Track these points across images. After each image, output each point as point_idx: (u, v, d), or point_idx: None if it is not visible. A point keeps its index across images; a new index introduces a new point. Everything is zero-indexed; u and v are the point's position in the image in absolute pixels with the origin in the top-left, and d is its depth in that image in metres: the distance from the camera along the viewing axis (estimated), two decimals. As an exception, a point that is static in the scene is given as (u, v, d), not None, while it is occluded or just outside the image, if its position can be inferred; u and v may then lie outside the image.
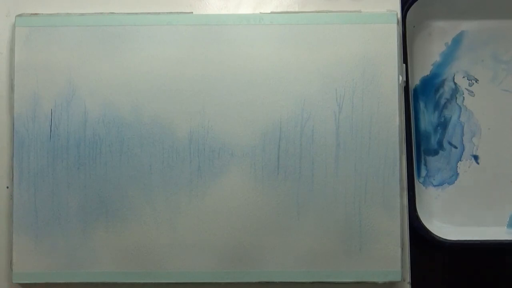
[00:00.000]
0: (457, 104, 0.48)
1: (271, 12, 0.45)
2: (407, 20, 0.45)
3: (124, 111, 0.44)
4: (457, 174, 0.47)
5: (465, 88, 0.48)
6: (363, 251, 0.43)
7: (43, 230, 0.43)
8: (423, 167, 0.48)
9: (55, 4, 0.45)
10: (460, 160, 0.48)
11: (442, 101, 0.48)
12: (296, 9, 0.45)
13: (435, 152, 0.48)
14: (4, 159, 0.44)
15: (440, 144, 0.48)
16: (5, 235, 0.44)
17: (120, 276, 0.43)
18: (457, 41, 0.48)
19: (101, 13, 0.45)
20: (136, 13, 0.44)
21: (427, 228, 0.45)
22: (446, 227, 0.47)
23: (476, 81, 0.48)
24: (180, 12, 0.45)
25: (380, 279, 0.43)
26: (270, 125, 0.44)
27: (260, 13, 0.45)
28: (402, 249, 0.43)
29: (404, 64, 0.45)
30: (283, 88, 0.44)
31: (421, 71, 0.48)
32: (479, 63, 0.48)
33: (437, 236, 0.45)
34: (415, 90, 0.48)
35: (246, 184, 0.43)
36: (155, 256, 0.43)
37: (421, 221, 0.45)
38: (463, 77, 0.48)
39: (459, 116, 0.48)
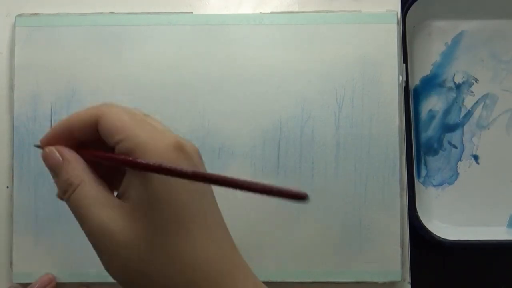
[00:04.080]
0: (457, 104, 0.48)
1: (271, 12, 0.45)
2: (407, 20, 0.45)
3: (124, 111, 0.44)
4: (457, 174, 0.47)
5: (465, 88, 0.48)
6: (363, 251, 0.43)
7: (43, 230, 0.43)
8: (423, 167, 0.48)
9: (55, 4, 0.45)
10: (460, 160, 0.48)
11: (442, 101, 0.48)
12: (296, 9, 0.45)
13: (435, 152, 0.48)
14: (4, 159, 0.44)
15: (440, 144, 0.48)
16: (5, 235, 0.44)
17: (120, 276, 0.43)
18: (457, 41, 0.48)
19: (101, 13, 0.45)
20: (136, 13, 0.44)
21: (427, 228, 0.45)
22: (446, 227, 0.47)
23: (476, 81, 0.48)
24: (180, 12, 0.45)
25: (380, 279, 0.43)
26: (270, 125, 0.44)
27: (260, 13, 0.45)
28: (402, 249, 0.43)
29: (404, 64, 0.45)
30: (283, 88, 0.44)
31: (421, 71, 0.48)
32: (479, 63, 0.48)
33: (437, 236, 0.45)
34: (415, 90, 0.48)
35: (246, 184, 0.43)
36: (155, 256, 0.43)
37: (421, 221, 0.45)
38: (463, 77, 0.48)
39: (459, 116, 0.48)
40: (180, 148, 0.27)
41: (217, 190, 0.43)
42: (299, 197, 0.25)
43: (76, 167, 0.28)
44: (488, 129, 0.48)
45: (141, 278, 0.27)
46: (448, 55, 0.48)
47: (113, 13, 0.45)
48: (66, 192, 0.28)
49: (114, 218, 0.27)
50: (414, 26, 0.48)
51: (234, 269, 0.28)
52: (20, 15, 0.44)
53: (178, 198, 0.26)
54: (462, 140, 0.48)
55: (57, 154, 0.28)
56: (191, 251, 0.26)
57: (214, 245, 0.27)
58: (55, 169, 0.28)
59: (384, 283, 0.43)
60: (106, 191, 0.28)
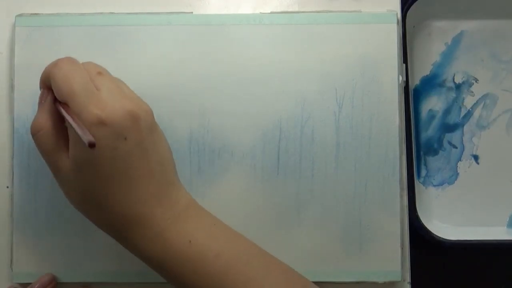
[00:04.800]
0: (457, 104, 0.48)
1: (271, 12, 0.45)
2: (407, 20, 0.45)
3: (124, 111, 0.44)
4: (457, 174, 0.47)
5: (465, 88, 0.48)
6: (363, 251, 0.43)
7: (43, 230, 0.43)
8: (423, 167, 0.48)
9: (55, 4, 0.45)
10: (460, 160, 0.48)
11: (442, 101, 0.48)
12: (296, 9, 0.45)
13: (435, 152, 0.48)
14: (4, 159, 0.44)
15: (440, 144, 0.48)
16: (5, 235, 0.44)
17: (120, 276, 0.43)
18: (457, 41, 0.48)
19: (101, 13, 0.45)
20: (136, 13, 0.44)
21: (427, 228, 0.45)
22: (446, 227, 0.47)
23: (476, 81, 0.48)
24: (180, 12, 0.45)
25: (380, 279, 0.43)
26: (270, 125, 0.44)
27: (260, 13, 0.45)
28: (402, 249, 0.43)
29: (404, 64, 0.45)
30: (283, 88, 0.44)
31: (421, 71, 0.48)
32: (479, 63, 0.48)
33: (437, 236, 0.45)
34: (415, 90, 0.48)
35: (246, 184, 0.43)
36: (155, 256, 0.43)
37: (421, 221, 0.45)
38: (463, 77, 0.48)
39: (459, 116, 0.48)
40: (101, 123, 0.33)
41: (219, 191, 0.43)
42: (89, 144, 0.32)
43: (44, 115, 0.36)
44: (488, 129, 0.48)
45: (84, 211, 0.37)
46: (448, 55, 0.48)
47: (113, 13, 0.45)
48: (34, 134, 0.36)
49: (63, 164, 0.36)
50: (414, 26, 0.48)
51: (141, 216, 0.36)
52: (20, 15, 0.44)
53: (100, 163, 0.34)
54: (462, 140, 0.48)
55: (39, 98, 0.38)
56: (110, 199, 0.35)
57: (129, 193, 0.35)
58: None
59: (384, 283, 0.43)
60: (63, 141, 0.36)
